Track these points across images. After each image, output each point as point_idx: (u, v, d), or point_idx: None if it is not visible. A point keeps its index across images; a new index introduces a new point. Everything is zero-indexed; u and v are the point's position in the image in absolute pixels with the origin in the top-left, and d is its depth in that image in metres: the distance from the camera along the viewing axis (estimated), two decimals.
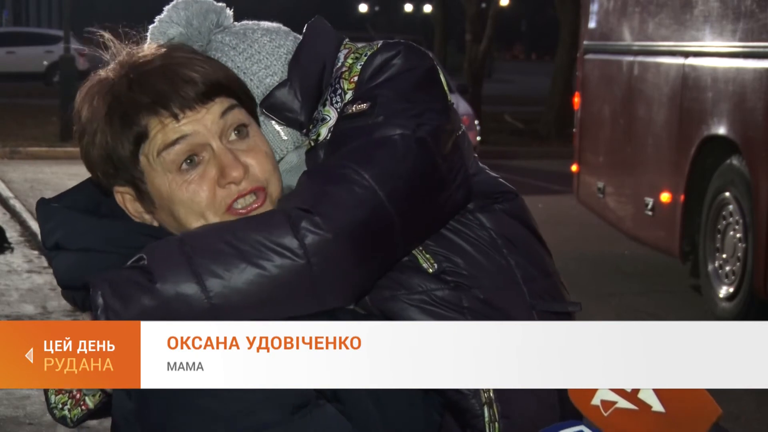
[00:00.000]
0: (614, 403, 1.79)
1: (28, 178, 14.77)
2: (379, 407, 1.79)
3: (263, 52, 2.00)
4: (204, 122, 1.84)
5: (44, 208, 1.93)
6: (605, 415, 1.79)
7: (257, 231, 1.75)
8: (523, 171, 17.32)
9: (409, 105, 1.89)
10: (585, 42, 10.39)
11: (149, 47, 1.91)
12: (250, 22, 2.06)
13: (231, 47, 1.99)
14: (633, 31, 9.45)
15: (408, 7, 65.39)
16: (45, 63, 34.64)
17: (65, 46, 19.57)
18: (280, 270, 1.73)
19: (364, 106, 1.89)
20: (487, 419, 1.90)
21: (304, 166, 1.98)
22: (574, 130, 10.85)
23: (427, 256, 1.91)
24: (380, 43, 1.99)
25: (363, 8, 57.67)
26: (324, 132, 1.95)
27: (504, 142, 20.78)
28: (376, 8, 63.86)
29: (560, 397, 1.94)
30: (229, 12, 2.06)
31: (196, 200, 1.83)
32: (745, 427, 5.90)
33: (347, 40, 2.06)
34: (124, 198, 1.90)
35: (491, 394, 1.89)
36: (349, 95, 1.95)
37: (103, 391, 1.87)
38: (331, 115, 1.96)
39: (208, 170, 1.84)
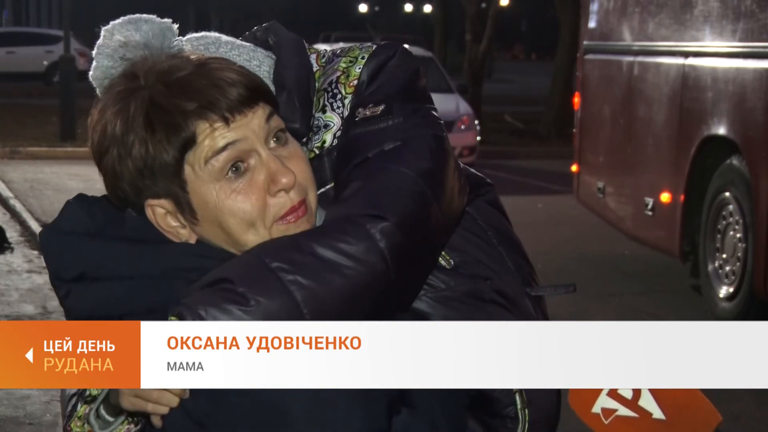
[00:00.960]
0: (615, 410, 1.79)
1: (28, 178, 14.77)
2: (441, 406, 1.78)
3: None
4: (252, 127, 1.77)
5: (53, 238, 1.81)
6: (606, 423, 1.79)
7: (336, 240, 1.74)
8: (523, 171, 17.32)
9: (418, 105, 1.91)
10: (585, 42, 10.39)
11: (165, 56, 1.82)
12: (209, 35, 1.99)
13: None
14: (633, 31, 9.45)
15: (408, 7, 65.38)
16: (45, 63, 34.65)
17: (65, 45, 19.57)
18: (365, 277, 1.73)
19: (378, 109, 1.89)
20: (519, 406, 1.92)
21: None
22: (574, 130, 10.85)
23: (443, 253, 1.93)
24: (373, 45, 1.99)
25: (363, 8, 57.62)
26: (329, 138, 1.93)
27: (504, 142, 20.78)
28: (376, 8, 63.83)
29: None
30: (176, 28, 1.95)
31: (247, 209, 1.76)
32: (745, 427, 5.90)
33: (306, 44, 2.05)
34: (155, 212, 1.80)
35: None
36: (349, 99, 1.94)
37: (133, 421, 1.80)
38: (335, 120, 1.94)
39: (256, 177, 1.77)
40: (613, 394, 1.80)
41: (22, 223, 11.17)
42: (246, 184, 1.77)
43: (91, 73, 1.91)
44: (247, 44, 2.00)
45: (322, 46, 2.08)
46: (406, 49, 2.00)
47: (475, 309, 1.92)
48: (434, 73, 17.49)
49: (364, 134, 1.88)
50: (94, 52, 1.92)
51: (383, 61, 1.95)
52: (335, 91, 1.95)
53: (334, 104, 1.95)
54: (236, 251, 1.79)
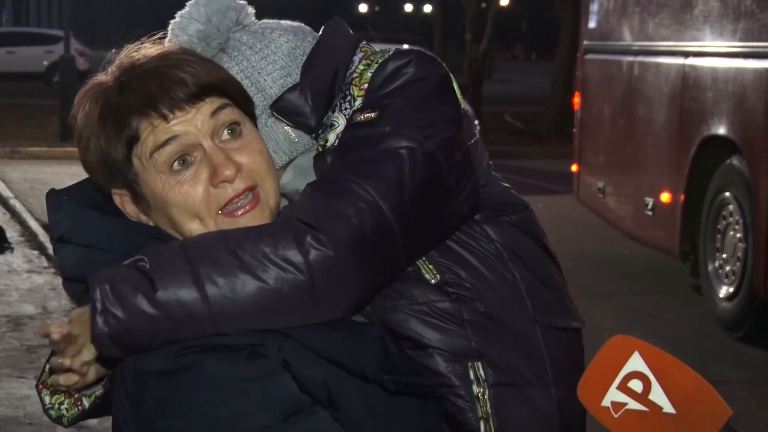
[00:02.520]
0: (624, 404, 1.78)
1: (28, 178, 14.76)
2: (373, 415, 1.78)
3: (279, 53, 1.99)
4: (194, 122, 1.84)
5: (54, 198, 1.94)
6: (615, 416, 1.78)
7: (262, 243, 1.74)
8: (523, 171, 17.32)
9: (418, 115, 1.87)
10: (585, 42, 10.39)
11: (145, 49, 1.92)
12: (271, 21, 2.05)
13: (248, 46, 1.98)
14: (633, 31, 9.44)
15: (408, 7, 65.37)
16: (45, 63, 34.63)
17: (65, 46, 19.56)
18: (282, 284, 1.72)
19: (372, 115, 1.88)
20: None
21: (314, 170, 1.97)
22: (574, 130, 10.84)
23: (430, 266, 1.90)
24: (392, 50, 1.97)
25: (363, 8, 57.63)
26: (332, 138, 1.94)
27: (504, 142, 20.77)
28: (376, 8, 63.81)
29: (560, 410, 1.93)
30: (251, 10, 2.05)
31: (189, 201, 1.83)
32: (745, 427, 5.90)
33: (364, 42, 2.04)
34: (122, 200, 1.91)
35: (488, 409, 1.88)
36: (358, 102, 1.93)
37: (103, 386, 1.87)
38: (340, 121, 1.94)
39: (200, 170, 1.84)
40: (623, 387, 1.80)
41: (22, 223, 11.16)
42: (190, 177, 1.83)
43: (166, 41, 2.01)
44: (301, 33, 2.03)
45: (376, 46, 2.06)
46: (425, 55, 1.95)
47: (450, 327, 1.88)
48: None
49: (351, 139, 1.88)
50: (169, 27, 2.02)
51: (396, 68, 1.92)
52: (347, 92, 1.96)
53: (343, 105, 1.95)
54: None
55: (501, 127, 23.44)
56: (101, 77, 1.91)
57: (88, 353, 1.78)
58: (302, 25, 2.08)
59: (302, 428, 1.69)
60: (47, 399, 1.92)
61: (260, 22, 2.05)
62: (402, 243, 1.81)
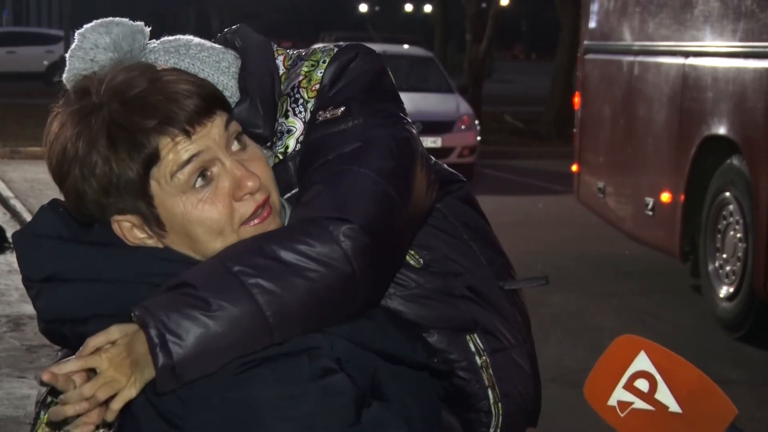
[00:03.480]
0: (631, 403, 1.78)
1: (29, 178, 14.77)
2: (416, 400, 1.80)
3: (206, 69, 1.94)
4: (212, 137, 1.79)
5: (25, 239, 1.85)
6: (622, 415, 1.79)
7: (298, 243, 1.74)
8: (523, 171, 17.32)
9: (379, 105, 1.90)
10: (585, 42, 10.39)
11: (114, 70, 1.82)
12: (172, 39, 1.98)
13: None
14: (633, 31, 9.45)
15: (408, 7, 65.37)
16: (45, 63, 34.63)
17: (65, 45, 19.57)
18: (329, 280, 1.73)
19: (338, 111, 1.88)
20: (492, 400, 1.94)
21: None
22: (574, 130, 10.85)
23: (412, 252, 1.93)
24: (334, 48, 1.98)
25: (363, 8, 57.60)
26: (292, 143, 1.93)
27: (504, 142, 20.78)
28: (377, 8, 63.82)
29: (531, 364, 2.01)
30: (147, 31, 1.97)
31: (215, 218, 1.78)
32: (745, 427, 5.89)
33: (275, 45, 2.04)
34: (122, 226, 1.81)
35: (492, 376, 1.94)
36: (311, 104, 1.93)
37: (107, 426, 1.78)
38: (297, 125, 1.93)
39: (221, 185, 1.79)
40: (629, 386, 1.80)
41: (23, 223, 11.15)
42: (212, 193, 1.78)
43: (64, 75, 1.92)
44: (218, 46, 1.99)
45: (318, 47, 2.06)
46: (368, 49, 1.98)
47: (446, 305, 1.93)
48: (434, 73, 17.48)
49: (324, 137, 1.88)
50: (67, 55, 1.92)
51: (345, 63, 1.94)
52: (297, 95, 1.95)
53: (296, 109, 1.94)
54: (202, 258, 1.79)
55: (501, 127, 23.45)
56: (85, 101, 1.80)
57: (109, 391, 1.71)
58: (197, 38, 2.01)
59: (371, 423, 1.69)
60: None
61: (165, 41, 1.97)
62: (409, 222, 1.85)
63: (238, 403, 1.68)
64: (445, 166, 2.08)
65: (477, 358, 1.94)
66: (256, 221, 1.80)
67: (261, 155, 1.86)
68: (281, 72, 1.99)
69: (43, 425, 1.85)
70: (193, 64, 1.92)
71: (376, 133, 1.86)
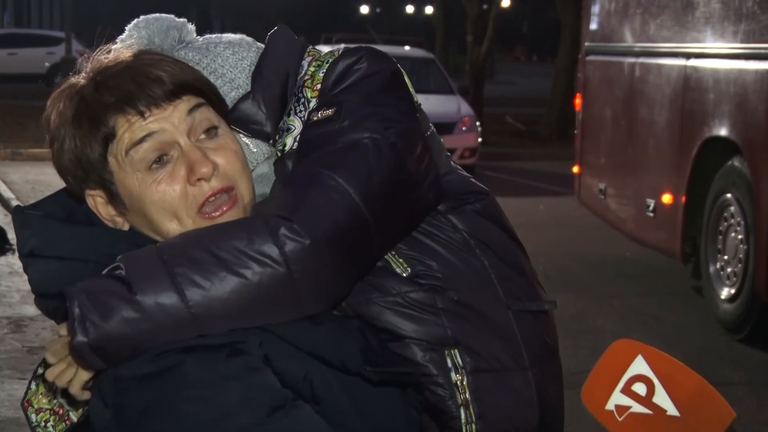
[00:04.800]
0: (629, 407, 1.78)
1: (30, 179, 14.77)
2: (357, 406, 1.78)
3: (226, 66, 1.99)
4: (171, 120, 1.83)
5: (20, 215, 1.92)
6: (620, 420, 1.79)
7: (236, 239, 1.73)
8: (524, 172, 17.32)
9: (375, 109, 1.88)
10: (586, 43, 10.39)
11: (119, 52, 1.91)
12: (213, 36, 2.05)
13: (194, 63, 1.98)
14: (634, 32, 9.44)
15: (409, 9, 65.35)
16: (46, 64, 34.62)
17: (67, 47, 19.57)
18: (261, 278, 1.72)
19: (329, 112, 1.89)
20: (463, 420, 1.89)
21: (274, 176, 1.97)
22: (575, 131, 10.84)
23: (400, 260, 1.91)
24: (342, 49, 1.98)
25: (364, 10, 57.60)
26: (290, 142, 1.94)
27: (505, 144, 20.77)
28: (378, 10, 63.82)
29: (539, 393, 1.93)
30: (191, 27, 2.04)
31: (167, 199, 1.82)
32: (745, 427, 5.90)
33: (311, 47, 2.05)
34: (96, 201, 1.89)
35: (467, 395, 1.89)
36: (313, 103, 1.94)
37: (86, 403, 1.85)
38: (296, 124, 1.95)
39: (177, 168, 1.83)
40: (627, 390, 1.80)
41: None
42: (167, 175, 1.83)
43: None
44: (247, 44, 2.03)
45: (325, 48, 2.07)
46: (374, 51, 1.97)
47: (426, 317, 1.89)
48: (435, 75, 17.49)
49: (313, 137, 1.88)
50: (113, 47, 2.01)
51: (348, 65, 1.94)
52: (300, 95, 1.96)
53: (298, 108, 1.96)
54: (161, 240, 1.83)
55: (502, 128, 23.44)
56: (74, 79, 1.90)
57: (85, 374, 1.77)
58: (245, 37, 2.08)
59: (286, 423, 1.69)
60: (33, 417, 1.92)
61: (203, 38, 2.05)
62: (374, 230, 1.81)
63: (156, 386, 1.70)
64: (467, 175, 2.04)
65: (453, 374, 1.89)
66: (215, 213, 1.83)
67: (232, 146, 1.88)
68: (302, 74, 1.99)
69: (39, 395, 1.93)
70: (214, 60, 1.99)
71: (359, 136, 1.84)
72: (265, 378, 1.71)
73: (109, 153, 1.84)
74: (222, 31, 2.13)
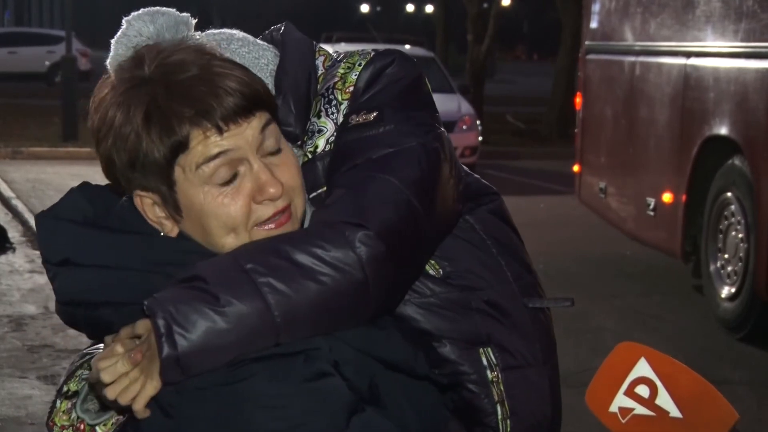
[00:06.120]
0: (632, 409, 1.79)
1: (30, 178, 14.77)
2: (415, 409, 1.79)
3: (245, 64, 1.94)
4: (245, 137, 1.79)
5: (46, 220, 1.88)
6: (623, 422, 1.79)
7: (313, 246, 1.74)
8: (524, 171, 17.32)
9: (412, 113, 1.90)
10: (587, 42, 10.39)
11: (175, 47, 1.85)
12: (215, 32, 2.01)
13: None
14: (635, 31, 9.44)
15: (410, 8, 65.37)
16: (47, 63, 34.65)
17: (67, 46, 19.57)
18: (340, 284, 1.73)
19: (370, 116, 1.89)
20: (500, 417, 1.92)
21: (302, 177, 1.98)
22: (575, 130, 10.84)
23: (432, 262, 1.92)
24: (372, 52, 1.98)
25: (365, 8, 57.60)
26: (322, 144, 1.94)
27: (506, 143, 20.78)
28: (378, 8, 63.81)
29: (551, 387, 1.97)
30: (193, 22, 1.98)
31: (231, 214, 1.79)
32: (745, 426, 5.90)
33: (319, 45, 2.05)
34: (143, 202, 1.85)
35: (502, 392, 1.92)
36: (344, 106, 1.93)
37: (121, 414, 1.82)
38: (328, 126, 1.94)
39: (244, 184, 1.80)
40: (630, 393, 1.80)
41: (24, 224, 11.17)
42: (234, 190, 1.80)
43: (107, 61, 1.94)
44: (261, 43, 2.02)
45: (328, 48, 2.07)
46: (405, 55, 1.98)
47: (461, 317, 1.92)
48: (436, 74, 17.49)
49: (354, 141, 1.88)
50: (113, 41, 1.96)
51: (380, 69, 1.94)
52: (331, 96, 1.95)
53: (329, 110, 1.95)
54: (215, 251, 1.81)
55: (503, 127, 23.45)
56: (136, 72, 1.82)
57: (153, 389, 1.73)
58: (243, 33, 2.04)
59: (359, 427, 1.69)
60: None
61: (210, 33, 2.00)
62: (430, 233, 1.84)
63: (229, 397, 1.69)
64: (479, 177, 2.07)
65: (488, 372, 1.92)
66: (271, 225, 1.81)
67: (293, 161, 1.86)
68: (320, 72, 2.00)
69: (60, 413, 1.90)
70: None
71: (407, 141, 1.85)
72: (336, 384, 1.71)
73: (177, 162, 1.79)
74: None
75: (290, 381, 1.69)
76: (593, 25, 10.27)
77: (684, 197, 8.35)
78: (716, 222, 8.14)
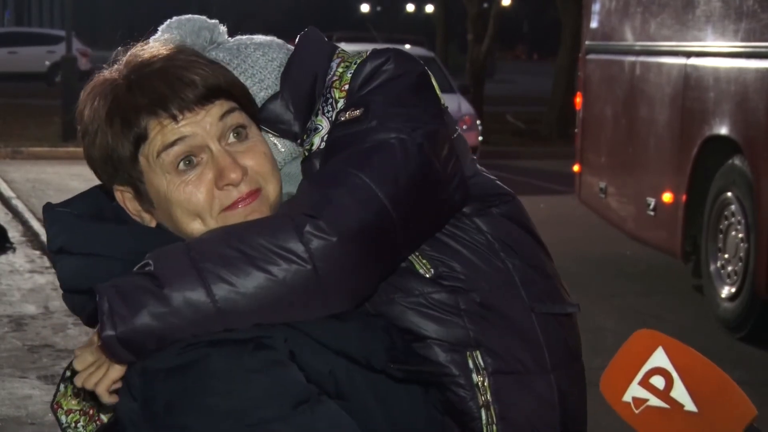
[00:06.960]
0: (646, 400, 1.77)
1: (30, 178, 14.77)
2: (381, 403, 1.80)
3: (256, 67, 2.02)
4: (203, 124, 1.85)
5: (50, 212, 1.96)
6: (636, 412, 1.77)
7: (263, 235, 1.76)
8: (524, 171, 17.31)
9: (402, 110, 1.90)
10: (587, 42, 10.38)
11: (153, 48, 1.92)
12: (244, 37, 2.08)
13: (224, 63, 2.00)
14: (635, 31, 9.44)
15: (410, 7, 65.35)
16: (47, 63, 34.63)
17: (67, 46, 19.56)
18: (286, 274, 1.74)
19: (357, 112, 1.90)
20: (484, 422, 1.90)
21: (301, 175, 1.99)
22: (575, 130, 10.84)
23: (424, 261, 1.92)
24: (369, 50, 2.00)
25: (365, 8, 57.57)
26: (317, 141, 1.96)
27: (506, 143, 20.76)
28: (378, 8, 63.79)
29: (560, 396, 1.94)
30: (223, 28, 2.08)
31: (193, 201, 1.85)
32: None
33: (340, 49, 2.07)
34: (124, 196, 1.93)
35: (489, 396, 1.90)
36: (341, 104, 1.95)
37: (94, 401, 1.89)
38: (324, 124, 1.96)
39: (206, 172, 1.85)
40: (645, 383, 1.78)
41: (24, 223, 11.17)
42: (195, 177, 1.85)
43: None
44: (277, 45, 2.06)
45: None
46: (402, 52, 1.98)
47: (448, 318, 1.90)
48: (436, 74, 17.38)
49: (340, 137, 1.90)
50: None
51: (375, 67, 1.95)
52: (328, 95, 1.98)
53: (326, 108, 1.97)
54: (187, 239, 1.86)
55: (503, 127, 23.43)
56: (108, 74, 1.91)
57: (114, 374, 1.80)
58: (275, 38, 2.11)
59: (311, 417, 1.71)
60: (63, 418, 1.96)
61: (234, 39, 2.08)
62: (400, 231, 1.83)
63: (183, 378, 1.73)
64: (492, 177, 2.06)
65: (474, 375, 1.90)
66: (240, 207, 1.85)
67: (262, 149, 1.90)
68: (331, 74, 2.01)
69: (68, 396, 1.97)
70: (244, 61, 2.01)
71: (387, 137, 1.85)
72: (289, 373, 1.73)
73: (140, 153, 1.87)
74: None
75: (241, 366, 1.72)
76: (593, 24, 10.27)
77: (684, 197, 8.35)
78: (716, 222, 8.13)
